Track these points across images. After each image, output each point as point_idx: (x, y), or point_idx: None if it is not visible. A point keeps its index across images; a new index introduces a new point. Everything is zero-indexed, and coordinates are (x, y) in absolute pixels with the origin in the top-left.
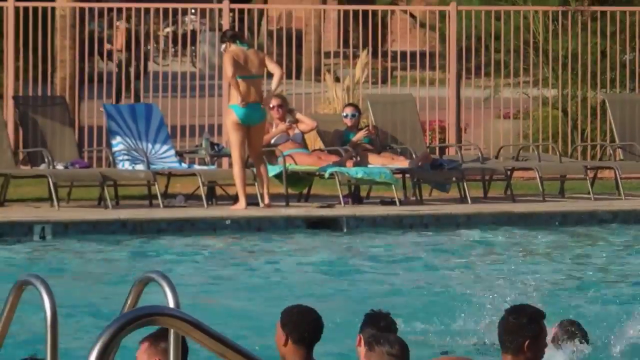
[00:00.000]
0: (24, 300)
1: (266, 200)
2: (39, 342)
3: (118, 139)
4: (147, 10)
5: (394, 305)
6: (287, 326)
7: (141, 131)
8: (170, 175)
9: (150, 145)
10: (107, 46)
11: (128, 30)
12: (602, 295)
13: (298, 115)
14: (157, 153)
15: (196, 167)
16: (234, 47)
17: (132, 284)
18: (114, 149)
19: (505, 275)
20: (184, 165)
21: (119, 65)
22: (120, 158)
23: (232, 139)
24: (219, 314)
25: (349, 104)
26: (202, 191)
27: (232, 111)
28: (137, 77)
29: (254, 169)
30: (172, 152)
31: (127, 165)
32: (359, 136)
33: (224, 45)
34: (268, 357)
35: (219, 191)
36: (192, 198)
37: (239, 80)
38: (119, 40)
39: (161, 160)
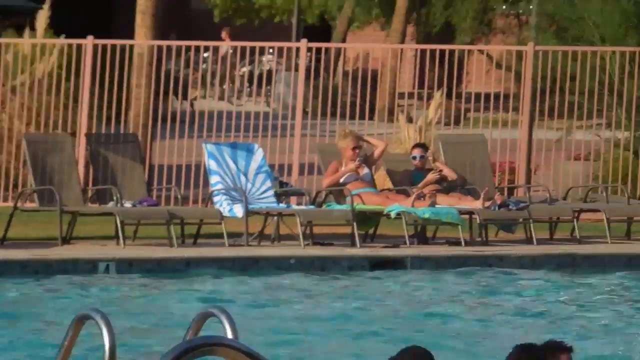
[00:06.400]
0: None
1: None
2: None
3: (217, 178)
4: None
5: None
6: None
7: (241, 170)
8: (267, 215)
9: (250, 185)
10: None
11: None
12: None
13: (370, 139)
14: (256, 193)
15: (294, 206)
16: None
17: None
18: (212, 188)
19: None
20: (282, 205)
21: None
22: (218, 198)
23: None
24: None
25: (416, 145)
26: (300, 231)
27: None
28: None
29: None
30: (272, 192)
31: (224, 205)
32: (429, 180)
33: None
34: None
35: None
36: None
37: None
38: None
39: (259, 200)
